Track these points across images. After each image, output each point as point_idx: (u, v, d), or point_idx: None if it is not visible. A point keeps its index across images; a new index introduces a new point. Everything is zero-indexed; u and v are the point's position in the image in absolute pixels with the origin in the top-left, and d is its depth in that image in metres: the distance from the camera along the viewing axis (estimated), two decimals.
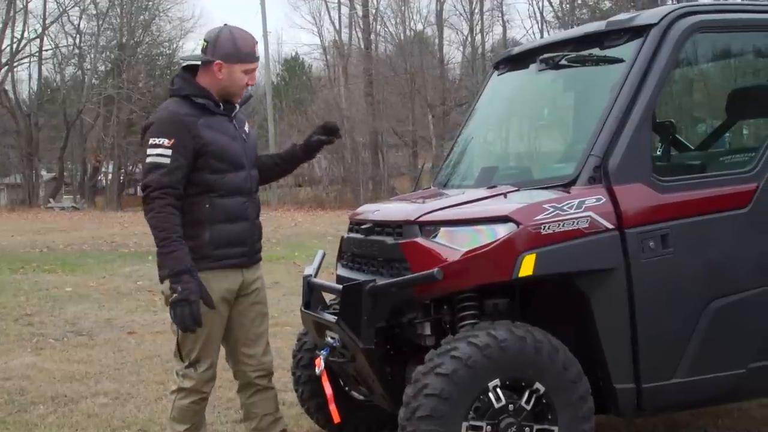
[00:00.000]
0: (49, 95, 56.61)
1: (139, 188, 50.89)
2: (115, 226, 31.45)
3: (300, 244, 19.67)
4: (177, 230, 4.42)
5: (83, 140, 56.33)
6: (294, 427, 6.09)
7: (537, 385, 4.36)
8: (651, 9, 5.24)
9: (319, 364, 4.99)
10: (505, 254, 4.42)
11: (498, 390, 4.31)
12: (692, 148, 6.05)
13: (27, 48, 55.15)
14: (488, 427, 4.29)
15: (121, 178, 57.42)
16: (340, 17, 57.58)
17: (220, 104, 4.67)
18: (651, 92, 4.70)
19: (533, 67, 5.50)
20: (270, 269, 13.87)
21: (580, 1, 50.28)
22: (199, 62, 4.73)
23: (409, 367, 4.83)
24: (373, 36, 54.35)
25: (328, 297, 5.43)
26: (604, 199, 4.57)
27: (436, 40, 53.98)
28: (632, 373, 4.62)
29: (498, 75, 6.05)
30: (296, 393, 5.89)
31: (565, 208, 4.50)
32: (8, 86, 54.91)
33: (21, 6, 54.06)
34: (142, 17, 56.93)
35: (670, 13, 4.86)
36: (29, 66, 57.27)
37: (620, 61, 4.88)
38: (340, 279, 5.33)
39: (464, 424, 4.26)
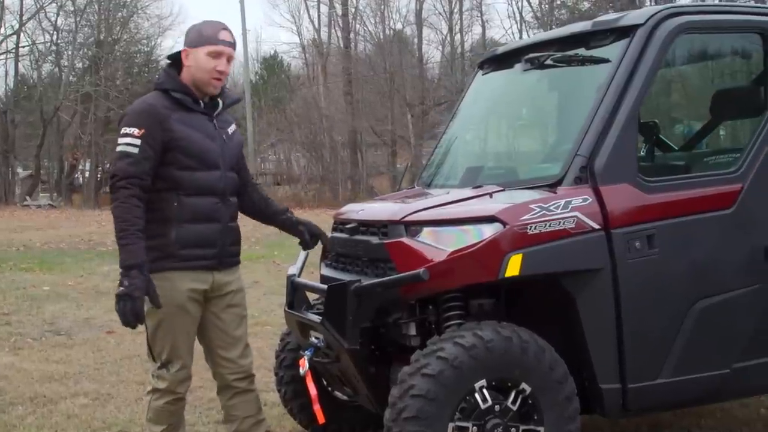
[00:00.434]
0: (25, 92, 56.13)
1: None
2: (93, 225, 31.24)
3: (279, 243, 19.60)
4: (136, 223, 4.36)
5: (60, 138, 55.90)
6: (277, 427, 6.06)
7: (523, 385, 4.35)
8: (636, 9, 5.24)
9: (304, 365, 4.95)
10: (491, 254, 4.40)
11: (484, 390, 4.30)
12: (676, 148, 6.06)
13: (3, 44, 54.73)
14: (474, 427, 4.28)
15: (99, 176, 56.96)
16: (319, 16, 57.56)
17: (200, 101, 4.61)
18: (637, 92, 4.70)
19: (518, 66, 5.50)
20: (250, 268, 13.85)
21: (559, 2, 50.38)
22: (177, 57, 4.69)
23: (394, 368, 4.81)
24: (352, 35, 54.27)
25: (312, 297, 5.41)
26: (591, 200, 4.57)
27: (415, 40, 53.99)
28: (618, 373, 4.62)
29: (482, 75, 6.03)
30: (279, 393, 5.85)
31: (551, 208, 4.49)
32: None
33: None
34: (120, 14, 56.56)
35: (656, 13, 4.86)
36: (5, 63, 56.75)
37: (606, 61, 4.88)
38: (324, 279, 5.30)
39: (450, 425, 4.24)
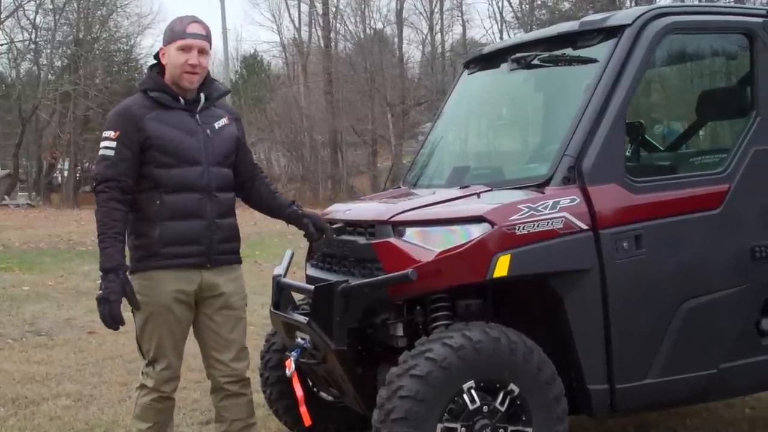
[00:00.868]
0: (3, 91, 55.79)
1: None
2: (72, 224, 31.05)
3: (260, 243, 19.54)
4: (114, 226, 4.36)
5: (39, 137, 55.59)
6: (262, 428, 6.01)
7: (511, 386, 4.35)
8: (623, 10, 5.24)
9: (290, 366, 4.93)
10: (479, 255, 4.39)
11: (473, 391, 4.28)
12: (662, 148, 6.07)
13: None
14: (463, 428, 4.27)
15: (77, 175, 56.68)
16: (299, 15, 57.43)
17: (180, 98, 4.58)
18: (625, 93, 4.70)
19: (504, 66, 5.48)
20: None
21: (539, 2, 50.49)
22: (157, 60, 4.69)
23: (381, 368, 4.79)
24: (332, 34, 54.21)
25: (297, 297, 5.37)
26: (579, 200, 4.56)
27: (396, 39, 53.99)
28: (606, 374, 4.61)
29: (468, 74, 6.02)
30: (264, 394, 5.82)
31: (539, 208, 4.48)
32: None
33: None
34: (99, 13, 56.25)
35: (643, 14, 4.86)
36: None
37: (594, 61, 4.87)
38: (310, 279, 5.28)
39: (439, 426, 4.23)
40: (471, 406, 4.28)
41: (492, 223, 4.41)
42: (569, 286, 4.52)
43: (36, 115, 53.39)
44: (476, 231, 4.43)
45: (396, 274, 4.43)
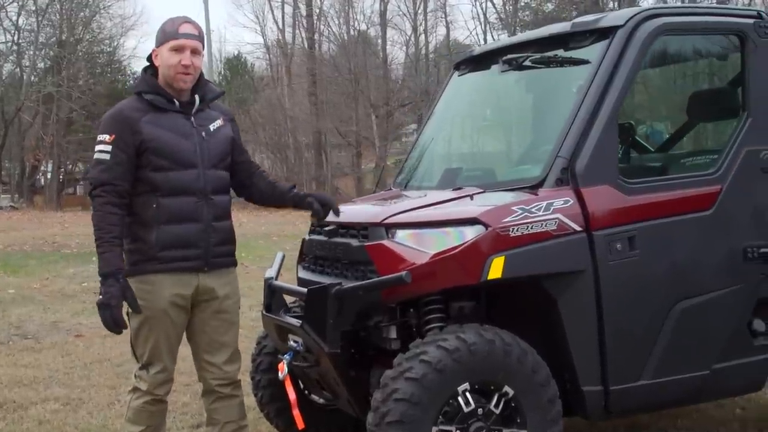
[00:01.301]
0: None
1: (78, 188, 49.92)
2: (56, 226, 30.93)
3: (246, 245, 19.48)
4: (111, 230, 4.35)
5: (21, 139, 55.36)
6: (253, 431, 5.99)
7: (506, 388, 4.33)
8: (615, 11, 5.25)
9: (283, 369, 4.90)
10: (473, 257, 4.38)
11: (467, 394, 4.27)
12: (652, 150, 6.07)
13: None
14: (458, 431, 4.25)
15: (61, 177, 56.55)
16: (283, 16, 57.31)
17: (175, 101, 4.55)
18: (618, 94, 4.70)
19: (495, 68, 5.47)
20: None
21: (523, 3, 50.59)
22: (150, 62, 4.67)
23: (374, 371, 4.77)
24: (316, 36, 54.21)
25: (289, 299, 5.35)
26: (572, 201, 4.56)
27: (380, 41, 53.99)
28: (600, 375, 4.61)
29: (459, 76, 6.00)
30: (255, 397, 5.79)
31: (533, 210, 4.48)
32: None
33: None
34: (82, 14, 56.07)
35: (635, 15, 4.86)
36: None
37: (586, 62, 4.87)
38: (301, 281, 5.25)
39: (434, 429, 4.21)
40: (466, 409, 4.27)
41: (486, 225, 4.40)
42: (563, 288, 4.52)
43: (19, 117, 53.17)
44: (470, 233, 4.42)
45: (390, 276, 4.41)
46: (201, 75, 4.65)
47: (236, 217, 5.25)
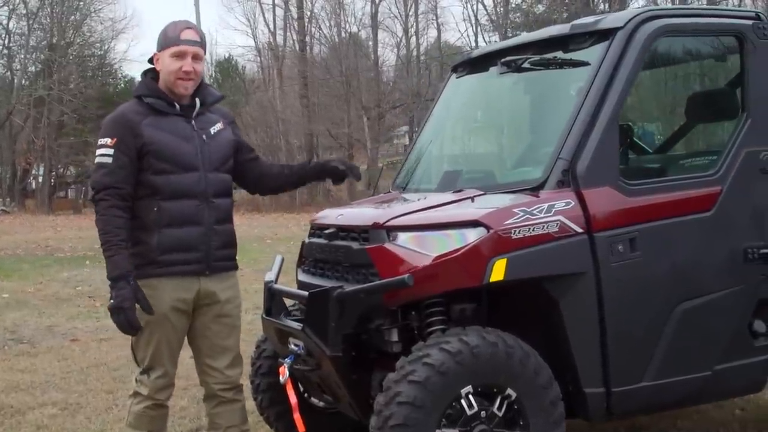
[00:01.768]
0: None
1: (70, 191, 49.84)
2: (48, 230, 30.91)
3: (239, 248, 19.39)
4: (118, 233, 4.33)
5: (13, 142, 55.27)
6: None
7: (509, 390, 4.32)
8: (615, 13, 5.23)
9: (284, 373, 4.87)
10: (476, 259, 4.37)
11: (470, 396, 4.26)
12: (650, 151, 6.07)
13: None
14: None
15: (52, 180, 56.45)
16: (274, 19, 57.32)
17: (175, 104, 4.55)
18: (618, 95, 4.69)
19: (494, 70, 5.45)
20: None
21: (513, 5, 50.68)
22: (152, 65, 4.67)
23: (375, 374, 4.76)
24: (307, 38, 54.24)
25: (288, 302, 5.33)
26: (573, 203, 4.55)
27: (371, 43, 54.03)
28: (602, 377, 4.60)
29: (457, 78, 5.99)
30: (255, 401, 5.77)
31: (535, 212, 4.47)
32: None
33: None
34: (73, 18, 56.06)
35: (635, 16, 4.86)
36: None
37: (586, 64, 4.86)
38: (301, 285, 5.23)
39: None
40: (469, 412, 4.25)
41: (488, 227, 4.39)
42: (565, 290, 4.51)
43: (10, 121, 53.07)
44: (472, 235, 4.41)
45: (392, 279, 4.40)
46: (201, 78, 4.64)
47: None
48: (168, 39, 4.54)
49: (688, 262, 4.80)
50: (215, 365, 4.66)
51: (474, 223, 4.44)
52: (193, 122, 4.57)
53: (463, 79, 5.93)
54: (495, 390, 4.32)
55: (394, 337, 4.73)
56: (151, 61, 4.63)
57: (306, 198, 47.22)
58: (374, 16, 52.65)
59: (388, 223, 4.65)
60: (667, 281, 4.73)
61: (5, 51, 55.31)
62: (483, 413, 4.28)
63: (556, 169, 4.63)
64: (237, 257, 4.83)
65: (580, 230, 4.52)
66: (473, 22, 52.75)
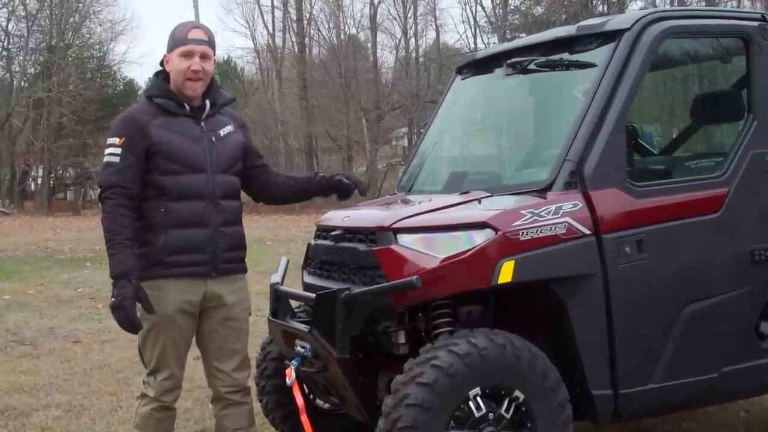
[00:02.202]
0: None
1: (69, 193, 49.79)
2: (48, 232, 30.89)
3: None
4: (122, 232, 4.33)
5: (12, 144, 55.27)
6: None
7: (517, 392, 4.31)
8: (621, 14, 5.24)
9: (290, 375, 4.87)
10: (484, 261, 4.36)
11: (478, 399, 4.24)
12: (655, 152, 6.06)
13: None
14: None
15: (51, 182, 56.44)
16: (273, 21, 57.37)
17: (185, 105, 4.55)
18: (625, 97, 4.68)
19: (499, 71, 5.45)
20: None
21: (512, 7, 50.70)
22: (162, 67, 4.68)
23: (381, 376, 4.75)
24: (306, 40, 54.25)
25: (294, 304, 5.32)
26: (581, 205, 4.54)
27: (370, 45, 54.05)
28: (609, 379, 4.60)
29: (462, 79, 5.98)
30: (260, 403, 5.75)
31: (542, 213, 4.46)
32: None
33: None
34: (72, 19, 56.07)
35: (642, 18, 4.86)
36: None
37: (592, 65, 4.86)
38: (307, 287, 5.23)
39: None
40: (477, 414, 4.24)
41: (496, 229, 4.39)
42: (572, 291, 4.50)
43: (9, 122, 53.09)
44: (480, 237, 4.40)
45: (400, 281, 4.39)
46: (213, 80, 4.64)
47: None
48: (176, 39, 4.54)
49: (695, 263, 4.79)
50: (223, 368, 4.65)
51: (482, 225, 4.44)
52: (202, 124, 4.57)
53: (468, 81, 5.92)
54: (503, 392, 4.31)
55: (401, 339, 4.72)
56: (162, 63, 4.63)
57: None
58: (373, 17, 52.71)
59: (395, 225, 4.64)
60: (674, 283, 4.72)
61: (4, 53, 55.35)
62: (491, 415, 4.27)
63: (563, 171, 4.62)
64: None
65: (587, 232, 4.52)
66: (472, 23, 52.78)
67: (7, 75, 56.13)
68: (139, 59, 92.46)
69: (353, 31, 55.88)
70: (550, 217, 4.46)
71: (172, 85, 4.56)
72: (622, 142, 4.73)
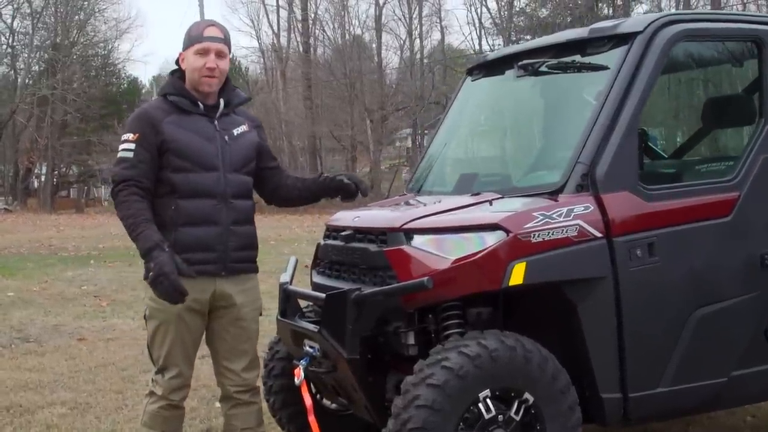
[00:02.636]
0: None
1: (72, 190, 49.84)
2: (51, 229, 30.93)
3: None
4: (142, 213, 4.33)
5: (16, 141, 55.38)
6: None
7: (526, 395, 4.31)
8: (634, 17, 5.23)
9: (299, 375, 4.86)
10: (495, 263, 4.36)
11: (488, 400, 4.24)
12: (665, 156, 6.05)
13: None
14: None
15: (54, 180, 56.47)
16: (278, 20, 57.34)
17: (199, 103, 4.54)
18: (638, 100, 4.68)
19: (510, 73, 5.45)
20: None
21: (517, 9, 50.70)
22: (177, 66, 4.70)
23: (390, 377, 4.75)
24: (311, 40, 54.23)
25: (302, 304, 5.31)
26: (592, 207, 4.54)
27: (374, 45, 54.04)
28: (619, 382, 4.59)
29: (472, 81, 5.97)
30: (267, 403, 5.74)
31: (554, 216, 4.45)
32: None
33: None
34: (77, 17, 56.15)
35: (655, 21, 4.85)
36: None
37: (604, 68, 4.85)
38: (316, 287, 5.22)
39: None
40: (486, 416, 4.24)
41: (507, 231, 4.38)
42: (583, 294, 4.49)
43: (13, 120, 53.17)
44: (491, 239, 4.40)
45: (412, 282, 4.39)
46: (228, 80, 4.64)
47: None
48: (191, 37, 4.55)
49: (706, 267, 4.78)
50: (232, 367, 4.65)
51: (493, 227, 4.43)
52: (215, 122, 4.56)
53: (478, 82, 5.91)
54: (513, 394, 4.31)
55: (411, 340, 4.71)
56: (177, 61, 4.64)
57: None
58: (378, 18, 52.70)
59: (407, 226, 4.63)
60: (684, 286, 4.72)
61: (9, 50, 55.37)
62: (500, 417, 4.26)
63: (575, 174, 4.62)
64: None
65: (599, 235, 4.51)
66: (477, 25, 52.73)
67: (12, 72, 56.22)
68: (143, 58, 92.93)
69: (358, 31, 55.98)
70: (561, 219, 4.46)
71: (187, 83, 4.56)
72: (634, 145, 4.72)
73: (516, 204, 4.66)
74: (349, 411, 5.41)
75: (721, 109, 5.53)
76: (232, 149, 4.57)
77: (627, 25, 4.91)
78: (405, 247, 4.57)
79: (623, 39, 4.87)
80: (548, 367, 4.34)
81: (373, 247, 4.74)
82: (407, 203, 5.41)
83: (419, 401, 4.13)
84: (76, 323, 10.94)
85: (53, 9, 54.65)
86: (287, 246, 20.27)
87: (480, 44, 50.94)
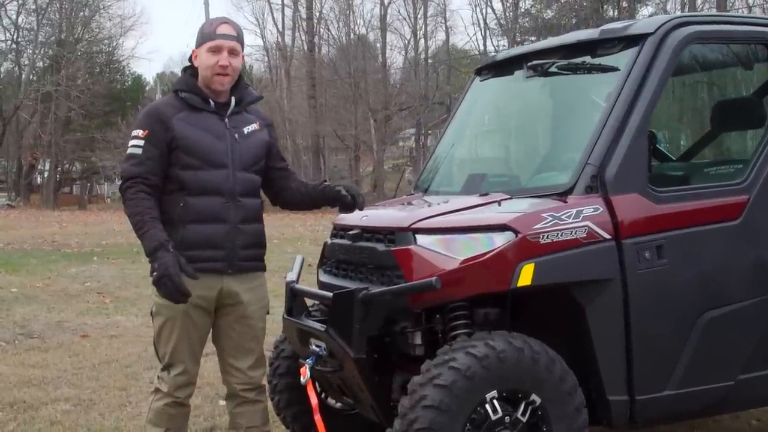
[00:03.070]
0: None
1: (75, 187, 49.93)
2: (54, 225, 30.94)
3: None
4: (149, 212, 4.32)
5: (19, 137, 55.42)
6: None
7: (533, 396, 4.29)
8: (645, 19, 5.21)
9: (305, 374, 4.83)
10: (503, 263, 4.34)
11: (495, 401, 4.22)
12: (673, 158, 6.04)
13: None
14: None
15: (58, 176, 56.48)
16: (283, 19, 57.38)
17: (210, 101, 4.54)
18: (648, 102, 4.66)
19: (519, 73, 5.44)
20: None
21: (523, 10, 50.67)
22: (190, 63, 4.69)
23: (396, 377, 4.73)
24: (316, 39, 54.25)
25: (308, 302, 5.30)
26: (602, 209, 4.52)
27: (379, 45, 54.03)
28: (626, 384, 4.57)
29: (481, 81, 5.96)
30: (272, 401, 5.72)
31: (563, 217, 4.44)
32: None
33: None
34: (82, 14, 56.18)
35: (666, 22, 4.83)
36: None
37: (615, 69, 4.83)
38: (323, 286, 5.20)
39: None
40: (493, 417, 4.22)
41: (516, 232, 4.37)
42: (591, 296, 4.47)
43: (17, 116, 53.20)
44: (500, 239, 4.38)
45: (420, 281, 4.37)
46: (241, 78, 4.63)
47: None
48: (205, 35, 4.54)
49: (715, 270, 4.76)
50: (238, 365, 4.63)
51: (502, 227, 4.41)
52: (226, 120, 4.55)
53: (487, 82, 5.89)
54: (520, 395, 4.29)
55: (418, 340, 4.70)
56: (190, 59, 4.63)
57: None
58: (383, 18, 52.70)
59: (415, 225, 4.62)
60: (693, 289, 4.70)
61: (14, 46, 55.40)
62: (507, 418, 4.25)
63: (584, 175, 4.60)
64: None
65: (607, 236, 4.49)
66: (482, 26, 52.73)
67: (16, 68, 56.28)
68: (147, 55, 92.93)
69: (363, 30, 55.93)
70: (570, 220, 4.44)
71: (199, 81, 4.55)
72: (644, 147, 4.70)
73: (525, 205, 4.64)
74: (354, 410, 5.40)
75: (730, 112, 5.51)
76: (241, 147, 4.55)
77: (638, 27, 4.90)
78: (413, 247, 4.56)
79: (634, 40, 4.86)
80: (556, 368, 4.33)
81: (380, 247, 4.72)
82: (415, 203, 5.39)
83: (426, 401, 4.12)
84: (80, 320, 10.94)
85: (58, 5, 54.71)
86: (290, 245, 20.28)
87: (485, 45, 51.00)
